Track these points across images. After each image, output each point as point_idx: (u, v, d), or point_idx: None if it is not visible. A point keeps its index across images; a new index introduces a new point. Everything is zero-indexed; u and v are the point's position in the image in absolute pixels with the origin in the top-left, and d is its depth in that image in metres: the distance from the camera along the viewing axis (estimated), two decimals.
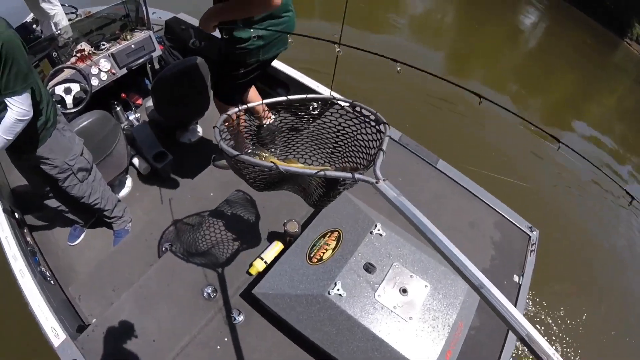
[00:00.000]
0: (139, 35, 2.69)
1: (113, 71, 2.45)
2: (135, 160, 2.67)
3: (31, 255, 1.86)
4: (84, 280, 1.87)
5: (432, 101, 4.41)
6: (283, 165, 0.72)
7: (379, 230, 1.56)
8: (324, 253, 1.53)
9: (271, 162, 0.72)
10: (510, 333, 1.64)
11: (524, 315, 1.96)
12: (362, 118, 0.94)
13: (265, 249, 1.75)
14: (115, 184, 2.50)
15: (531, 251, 1.97)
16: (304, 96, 1.00)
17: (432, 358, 1.33)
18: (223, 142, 0.86)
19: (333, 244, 1.56)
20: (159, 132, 2.72)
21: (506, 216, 2.08)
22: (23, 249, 1.74)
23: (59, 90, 2.18)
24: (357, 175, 0.71)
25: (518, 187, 3.41)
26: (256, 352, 1.52)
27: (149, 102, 2.78)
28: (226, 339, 1.56)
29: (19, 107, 1.41)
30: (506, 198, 2.18)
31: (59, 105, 2.16)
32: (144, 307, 1.60)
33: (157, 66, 3.02)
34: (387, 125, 0.87)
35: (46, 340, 1.49)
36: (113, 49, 2.55)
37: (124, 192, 2.57)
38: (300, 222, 1.84)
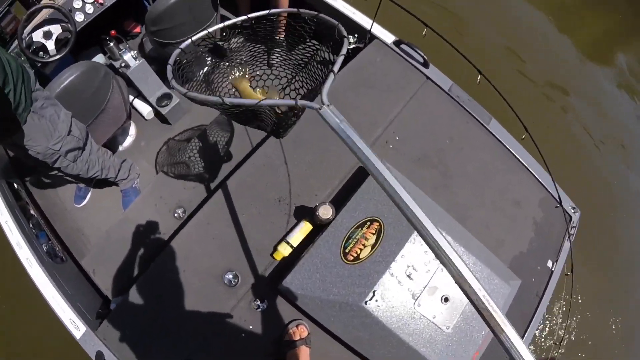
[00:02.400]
0: None
1: (100, 0, 1.95)
2: (138, 104, 2.35)
3: (36, 229, 1.72)
4: (95, 252, 1.74)
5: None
6: (229, 99, 0.68)
7: None
8: (361, 250, 1.34)
9: (218, 96, 0.68)
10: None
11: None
12: (324, 31, 0.85)
13: (292, 229, 1.55)
14: (118, 133, 2.23)
15: (570, 235, 1.82)
16: (266, 12, 0.93)
17: None
18: (175, 80, 0.80)
19: (372, 239, 1.35)
20: (161, 69, 2.33)
21: (552, 193, 1.87)
22: (26, 231, 1.59)
23: (37, 36, 1.75)
24: (299, 102, 0.67)
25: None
26: None
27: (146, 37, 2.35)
28: (251, 327, 1.46)
29: None
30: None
31: (41, 53, 1.77)
32: (162, 296, 1.48)
33: None
34: (346, 39, 0.77)
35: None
36: None
37: (127, 142, 2.31)
38: (333, 191, 1.62)
